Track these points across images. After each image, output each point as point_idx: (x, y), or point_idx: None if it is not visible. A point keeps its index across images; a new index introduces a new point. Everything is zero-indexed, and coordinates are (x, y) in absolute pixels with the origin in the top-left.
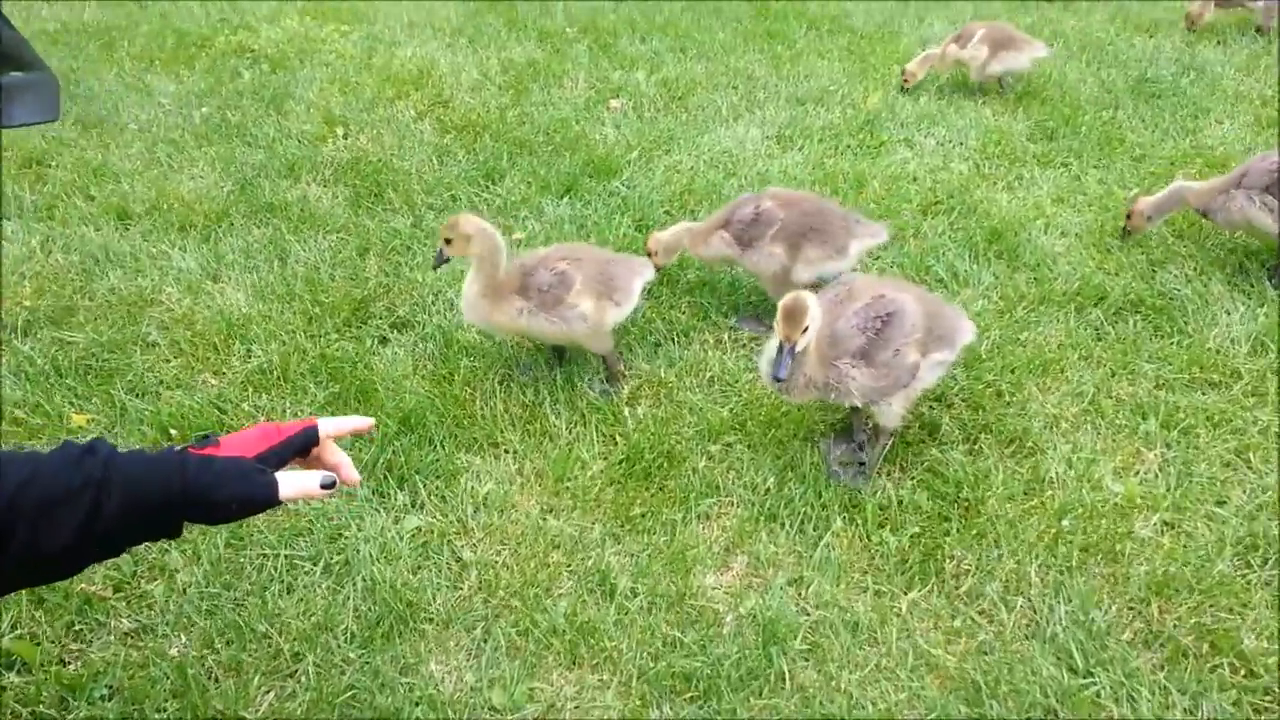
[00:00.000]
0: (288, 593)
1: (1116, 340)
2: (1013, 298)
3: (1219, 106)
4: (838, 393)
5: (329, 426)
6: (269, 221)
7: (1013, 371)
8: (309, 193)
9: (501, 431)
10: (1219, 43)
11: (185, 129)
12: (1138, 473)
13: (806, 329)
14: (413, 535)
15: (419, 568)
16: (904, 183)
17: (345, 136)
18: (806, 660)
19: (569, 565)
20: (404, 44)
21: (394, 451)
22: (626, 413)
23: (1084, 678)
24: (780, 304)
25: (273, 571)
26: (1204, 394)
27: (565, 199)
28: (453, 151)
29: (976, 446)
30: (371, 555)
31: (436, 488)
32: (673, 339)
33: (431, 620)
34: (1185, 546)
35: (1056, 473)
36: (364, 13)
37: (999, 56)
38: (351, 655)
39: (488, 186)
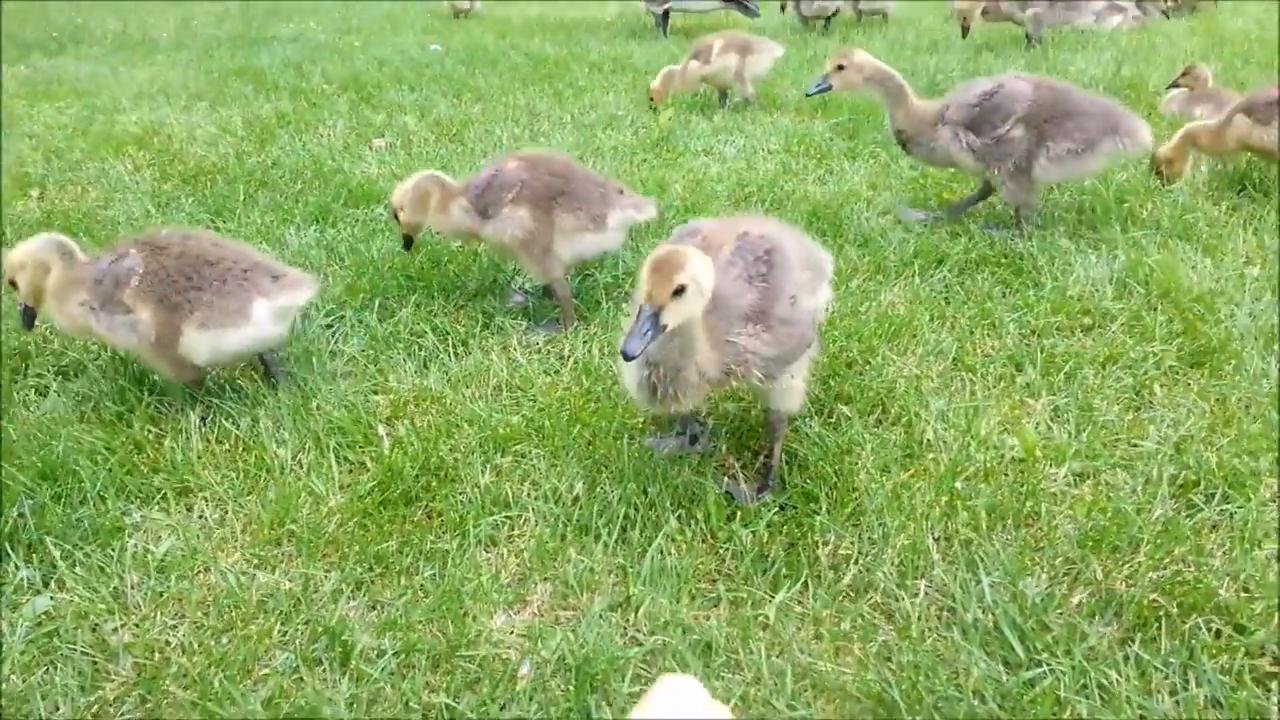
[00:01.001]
0: None
1: (968, 298)
2: (845, 270)
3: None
4: (735, 380)
5: None
6: None
7: (859, 339)
8: None
9: (195, 475)
10: (996, 56)
11: None
12: (1029, 425)
13: (682, 289)
14: (36, 624)
15: (38, 669)
16: (709, 183)
17: (40, 198)
18: None
19: (283, 632)
20: (129, 110)
21: (19, 513)
22: (381, 431)
23: (1030, 669)
24: (649, 257)
25: None
26: (1079, 339)
27: (314, 227)
28: (177, 198)
29: (833, 420)
30: None
31: (84, 554)
32: (448, 350)
33: None
34: (1109, 496)
35: (934, 434)
36: (86, 89)
37: (747, 62)
38: None
39: (217, 225)
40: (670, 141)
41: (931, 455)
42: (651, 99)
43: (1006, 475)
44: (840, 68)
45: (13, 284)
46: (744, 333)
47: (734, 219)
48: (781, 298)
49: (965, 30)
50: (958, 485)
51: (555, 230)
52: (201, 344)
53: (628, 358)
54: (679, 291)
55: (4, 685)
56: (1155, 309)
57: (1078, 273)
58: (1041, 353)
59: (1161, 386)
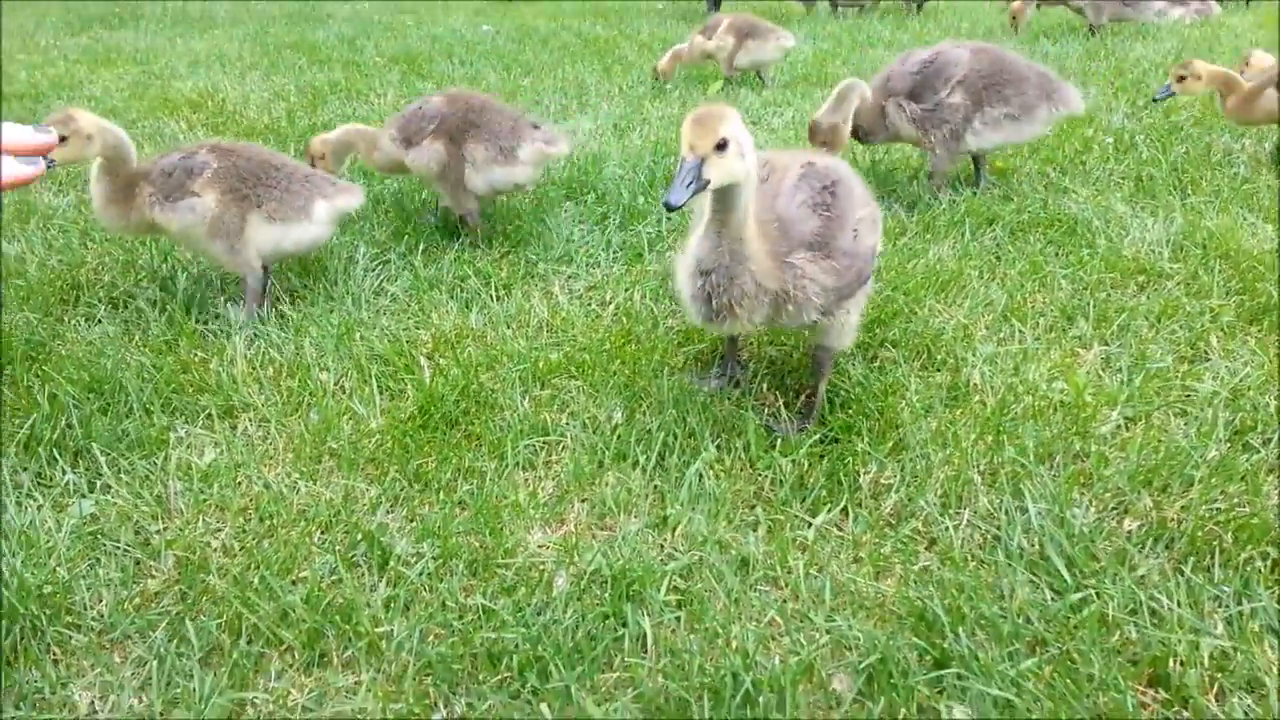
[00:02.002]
0: None
1: (1019, 256)
2: (894, 229)
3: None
4: (794, 305)
5: None
6: None
7: (906, 291)
8: (34, 197)
9: (241, 395)
10: (1054, 43)
11: None
12: (1080, 373)
13: (724, 144)
14: (82, 524)
15: (81, 564)
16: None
17: None
18: (677, 616)
19: (322, 538)
20: (185, 77)
21: (67, 422)
22: (423, 363)
23: (1075, 593)
24: (690, 114)
25: None
26: (1133, 294)
27: (360, 181)
28: None
29: (877, 362)
30: (5, 552)
31: (129, 463)
32: (490, 293)
33: (88, 629)
34: (1160, 438)
35: (981, 377)
36: (144, 57)
37: (746, 46)
38: None
39: None
40: None
41: (978, 398)
42: (657, 75)
43: (1055, 414)
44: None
45: (62, 139)
46: (805, 257)
47: (795, 151)
48: (845, 229)
49: (1015, 28)
50: (1006, 422)
51: (466, 163)
52: (266, 236)
53: (670, 208)
54: (721, 146)
55: (40, 582)
56: (1213, 270)
57: (1133, 234)
58: (1094, 307)
59: (1218, 339)
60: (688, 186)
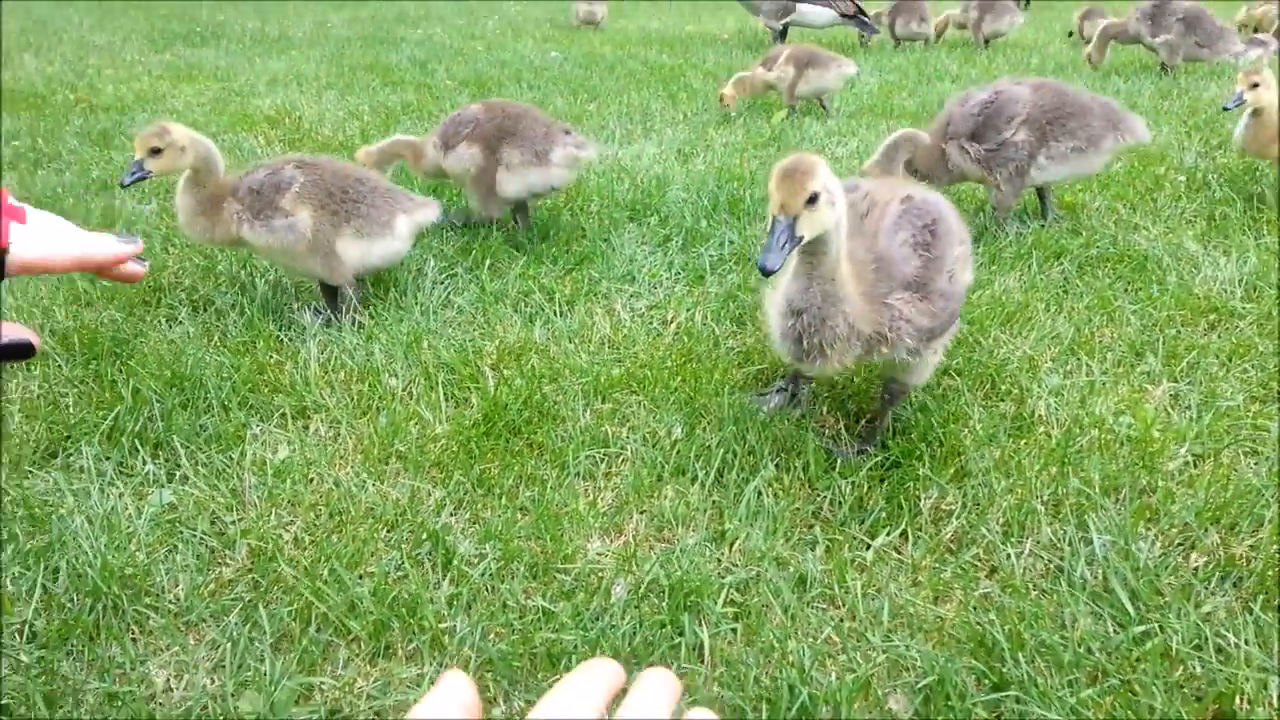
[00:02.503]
0: None
1: (1087, 290)
2: None
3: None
4: (887, 347)
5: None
6: None
7: (972, 321)
8: (119, 204)
9: (315, 398)
10: (1126, 81)
11: None
12: (1149, 408)
13: (815, 197)
14: (159, 513)
15: (159, 550)
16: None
17: None
18: (734, 628)
19: (389, 537)
20: (263, 95)
21: (149, 416)
22: (488, 372)
23: (1138, 625)
24: (775, 166)
25: None
26: (1204, 333)
27: (429, 196)
28: None
29: (940, 390)
30: (89, 534)
31: (206, 457)
32: (554, 309)
33: (165, 610)
34: (1230, 476)
35: (1047, 409)
36: (225, 75)
37: (806, 76)
38: (23, 659)
39: None
40: (782, 141)
41: (1043, 429)
42: (722, 100)
43: (1121, 448)
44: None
45: (155, 151)
46: (903, 298)
47: (892, 180)
48: (943, 270)
49: (1093, 64)
50: (1071, 453)
51: (500, 165)
52: (353, 251)
53: (766, 272)
54: (812, 200)
55: (122, 564)
56: None
57: (1205, 272)
58: (1163, 344)
59: None
60: (782, 248)
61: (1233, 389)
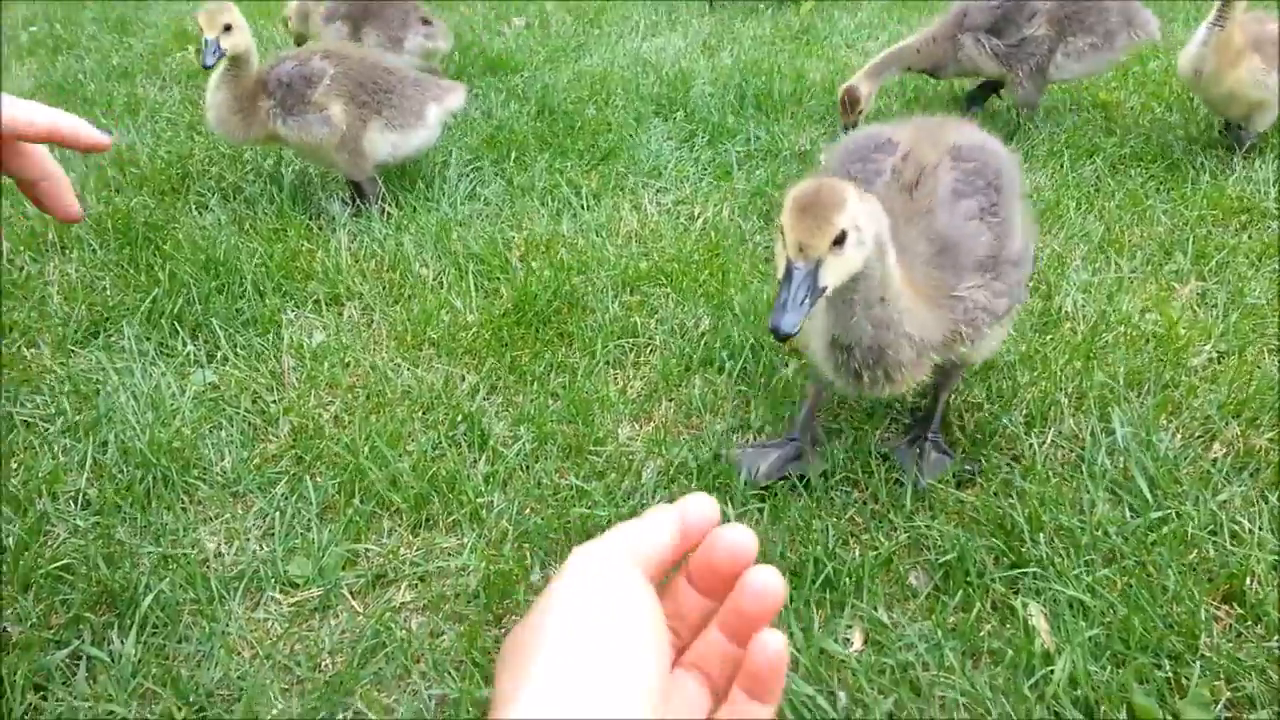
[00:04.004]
0: None
1: (1118, 189)
2: None
3: (1181, 12)
4: (964, 343)
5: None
6: (88, 112)
7: None
8: (142, 91)
9: (347, 285)
10: None
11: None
12: (1175, 306)
13: (843, 237)
14: (201, 392)
15: (204, 426)
16: (850, 74)
17: (197, 51)
18: (760, 509)
19: (426, 417)
20: None
21: (186, 299)
22: (516, 264)
23: (1155, 512)
24: (790, 195)
25: None
26: (1235, 233)
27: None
28: None
29: None
30: (134, 410)
31: (244, 339)
32: (580, 203)
33: (213, 483)
34: (1253, 372)
35: (1074, 304)
36: None
37: None
38: (79, 524)
39: None
40: (811, 34)
41: (1069, 324)
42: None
43: (1147, 344)
44: None
45: (227, 27)
46: (975, 284)
47: (926, 123)
48: (1013, 233)
49: None
50: (1097, 347)
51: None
52: (383, 143)
53: (782, 337)
54: (840, 241)
55: (168, 438)
56: None
57: (1239, 173)
58: (1193, 243)
59: None
60: (801, 304)
61: (1261, 288)
